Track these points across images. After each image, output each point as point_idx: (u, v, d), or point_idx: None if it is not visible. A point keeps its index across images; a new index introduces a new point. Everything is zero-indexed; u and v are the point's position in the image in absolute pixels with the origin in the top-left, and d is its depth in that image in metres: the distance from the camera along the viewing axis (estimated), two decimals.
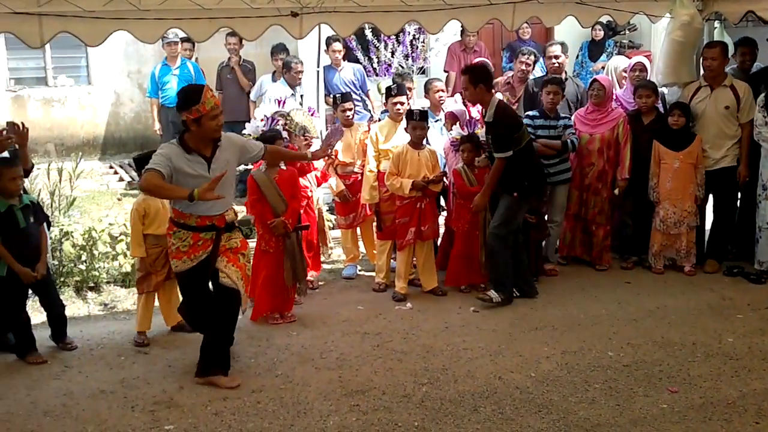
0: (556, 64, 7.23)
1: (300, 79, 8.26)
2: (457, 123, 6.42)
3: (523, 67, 7.62)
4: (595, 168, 6.69)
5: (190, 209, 4.44)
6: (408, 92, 6.81)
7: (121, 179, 11.20)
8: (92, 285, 6.55)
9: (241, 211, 6.01)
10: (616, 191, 6.64)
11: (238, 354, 4.98)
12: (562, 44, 7.53)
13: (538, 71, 8.07)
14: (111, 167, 11.77)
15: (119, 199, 9.49)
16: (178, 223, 4.52)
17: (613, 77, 7.28)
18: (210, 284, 4.63)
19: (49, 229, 5.46)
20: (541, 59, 8.21)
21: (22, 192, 5.03)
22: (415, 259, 6.32)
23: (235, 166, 4.72)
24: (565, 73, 7.53)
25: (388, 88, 6.62)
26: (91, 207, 8.85)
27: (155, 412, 4.24)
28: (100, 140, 12.51)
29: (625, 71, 7.25)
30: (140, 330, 5.33)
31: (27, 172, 5.21)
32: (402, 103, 6.41)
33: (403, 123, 6.37)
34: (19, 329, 5.03)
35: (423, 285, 6.28)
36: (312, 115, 6.41)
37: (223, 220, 4.57)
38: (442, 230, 6.53)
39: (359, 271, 6.85)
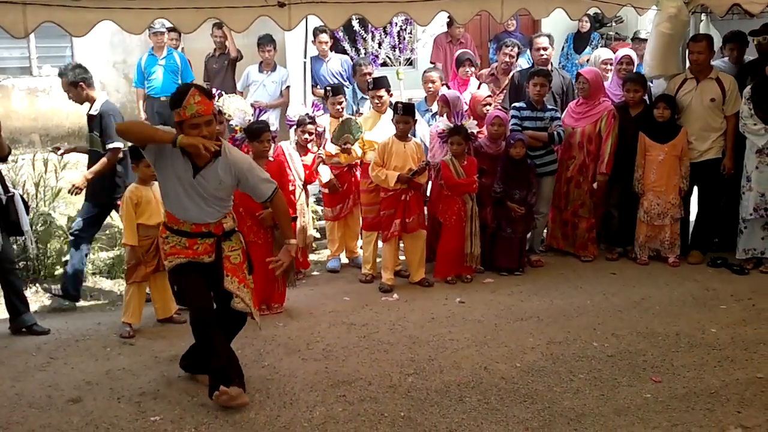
0: (544, 56, 7.24)
1: (367, 81, 7.37)
2: (446, 113, 6.43)
3: (507, 58, 7.63)
4: (575, 161, 6.74)
5: (180, 215, 4.16)
6: (368, 78, 6.83)
7: None
8: None
9: None
10: (595, 185, 6.67)
11: None
12: (549, 36, 7.54)
13: (524, 63, 8.08)
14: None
15: None
16: (172, 228, 4.21)
17: (597, 69, 7.32)
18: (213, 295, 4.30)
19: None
20: (526, 51, 8.23)
21: None
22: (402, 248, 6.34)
23: (230, 188, 4.23)
24: (551, 64, 7.54)
25: (367, 82, 6.64)
26: (76, 198, 8.76)
27: (141, 404, 4.23)
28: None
29: (606, 63, 7.29)
30: (129, 322, 5.31)
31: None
32: (380, 97, 6.44)
33: (387, 114, 6.37)
34: None
35: (412, 276, 6.28)
36: (261, 113, 6.31)
37: (221, 227, 4.23)
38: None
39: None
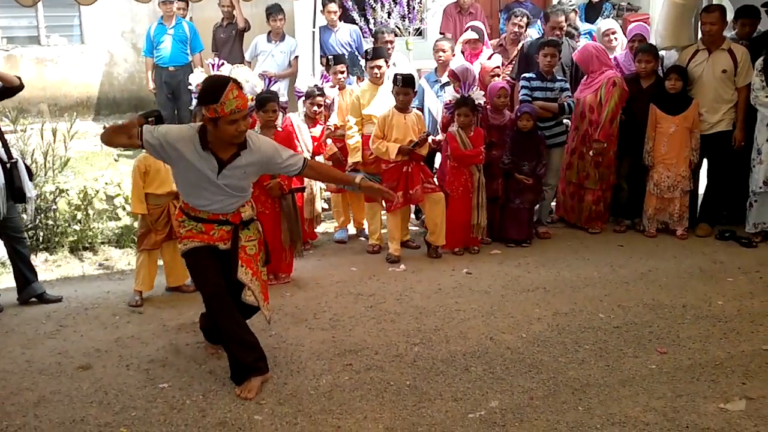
0: (558, 34, 7.12)
1: (390, 49, 7.43)
2: (453, 85, 6.39)
3: (516, 29, 7.54)
4: (579, 132, 6.71)
5: (198, 205, 4.00)
6: (389, 46, 6.76)
7: None
8: (87, 245, 6.56)
9: None
10: (591, 153, 6.62)
11: None
12: (564, 11, 7.39)
13: (534, 33, 8.00)
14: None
15: (116, 160, 9.45)
16: (189, 214, 4.05)
17: (600, 41, 7.25)
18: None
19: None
20: (536, 22, 8.14)
21: None
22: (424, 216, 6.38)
23: (254, 176, 4.13)
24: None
25: (366, 51, 6.58)
26: (85, 168, 8.82)
27: (150, 371, 4.28)
28: (94, 100, 12.40)
29: (608, 34, 7.22)
30: (140, 289, 5.35)
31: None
32: (379, 67, 6.37)
33: (384, 86, 6.33)
34: None
35: (434, 240, 6.24)
36: (271, 83, 6.25)
37: (239, 216, 4.06)
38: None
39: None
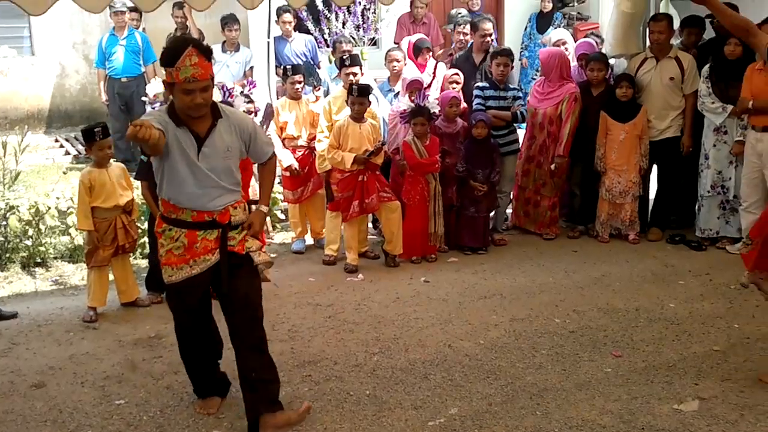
0: (487, 40, 7.16)
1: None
2: (407, 94, 6.43)
3: (461, 37, 7.60)
4: (537, 141, 6.81)
5: (181, 201, 3.60)
6: (347, 56, 6.79)
7: (67, 153, 10.99)
8: (39, 261, 6.45)
9: None
10: (553, 166, 6.73)
11: None
12: (490, 20, 7.48)
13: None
14: (56, 141, 11.53)
15: (65, 173, 9.32)
16: (169, 218, 3.65)
17: None
18: (210, 305, 3.90)
19: None
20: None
21: None
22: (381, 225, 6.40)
23: (238, 154, 3.71)
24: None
25: (341, 59, 6.58)
26: (37, 181, 8.67)
27: (105, 388, 4.22)
28: (45, 113, 12.21)
29: (558, 44, 7.32)
30: (93, 305, 5.27)
31: None
32: (355, 74, 6.38)
33: None
34: None
35: (391, 249, 6.25)
36: (252, 87, 6.27)
37: (227, 216, 3.65)
38: None
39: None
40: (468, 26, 7.59)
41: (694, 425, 3.71)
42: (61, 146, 11.27)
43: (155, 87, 6.15)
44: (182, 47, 3.36)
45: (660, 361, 4.43)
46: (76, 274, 6.31)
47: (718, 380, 4.18)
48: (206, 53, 3.43)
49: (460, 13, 8.21)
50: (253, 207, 3.92)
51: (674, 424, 3.72)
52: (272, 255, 6.47)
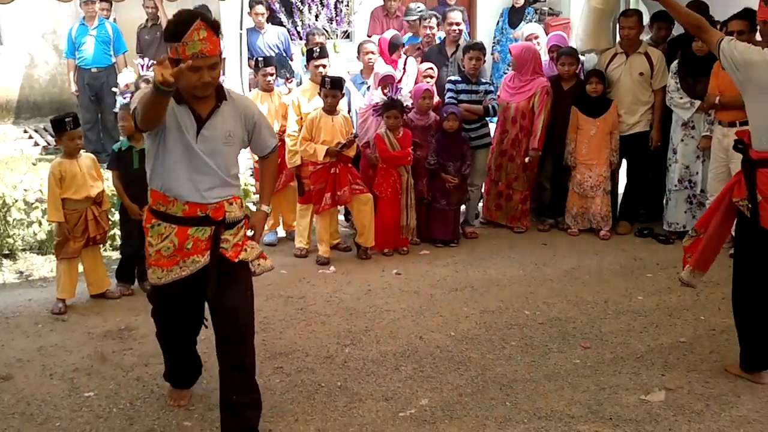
0: (456, 31, 7.18)
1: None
2: (380, 87, 6.43)
3: (428, 31, 7.59)
4: (509, 135, 6.85)
5: (172, 188, 3.31)
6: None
7: (36, 144, 10.84)
8: (7, 252, 6.37)
9: None
10: (527, 160, 6.79)
11: None
12: (462, 11, 7.50)
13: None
14: (25, 131, 11.37)
15: (34, 164, 9.21)
16: (158, 212, 3.37)
17: None
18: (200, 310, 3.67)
19: None
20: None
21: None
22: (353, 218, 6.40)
23: (240, 142, 3.45)
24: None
25: (310, 50, 6.56)
26: (4, 173, 8.56)
27: (75, 380, 4.19)
28: (14, 104, 12.03)
29: (530, 38, 7.34)
30: (62, 297, 5.22)
31: None
32: (324, 66, 6.38)
33: None
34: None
35: (363, 241, 6.25)
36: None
37: (222, 211, 3.37)
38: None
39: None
40: (433, 20, 7.59)
41: (661, 415, 3.77)
42: (30, 137, 11.12)
43: (126, 77, 6.11)
44: (190, 20, 3.09)
45: (628, 353, 4.49)
46: (45, 265, 6.24)
47: (684, 371, 4.25)
48: (215, 27, 3.17)
49: (418, 7, 8.14)
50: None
51: (641, 414, 3.78)
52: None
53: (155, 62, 3.04)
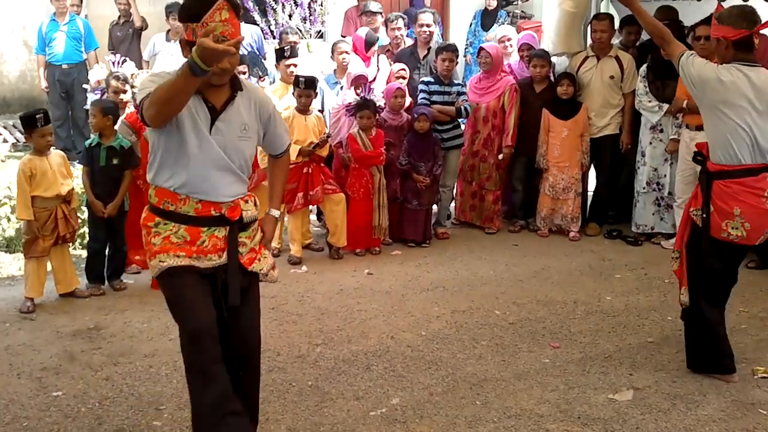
0: (427, 32, 7.21)
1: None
2: (353, 87, 6.45)
3: (396, 33, 7.60)
4: (481, 135, 6.91)
5: (185, 185, 3.00)
6: (296, 47, 6.73)
7: (5, 141, 10.67)
8: None
9: None
10: (501, 157, 6.85)
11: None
12: (434, 13, 7.53)
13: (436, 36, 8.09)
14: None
15: (2, 161, 9.08)
16: (164, 211, 3.04)
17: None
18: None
19: None
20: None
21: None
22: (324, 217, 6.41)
23: (255, 137, 3.16)
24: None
25: (281, 50, 6.55)
26: None
27: (43, 379, 4.14)
28: None
29: (504, 40, 7.42)
30: (30, 296, 5.16)
31: None
32: (295, 65, 6.38)
33: None
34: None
35: (335, 241, 6.26)
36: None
37: (238, 210, 3.08)
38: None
39: None
40: (400, 21, 7.60)
41: (629, 414, 3.81)
42: None
43: (97, 74, 6.04)
44: (210, 0, 2.81)
45: (596, 352, 4.55)
46: (13, 263, 6.16)
47: (651, 370, 4.30)
48: (237, 9, 2.89)
49: (369, 8, 8.10)
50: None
51: (609, 413, 3.82)
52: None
53: (198, 33, 2.77)
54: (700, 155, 4.09)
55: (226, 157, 3.02)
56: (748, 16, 3.89)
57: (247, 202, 3.14)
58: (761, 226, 3.92)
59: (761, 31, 4.00)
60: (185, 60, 2.75)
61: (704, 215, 3.97)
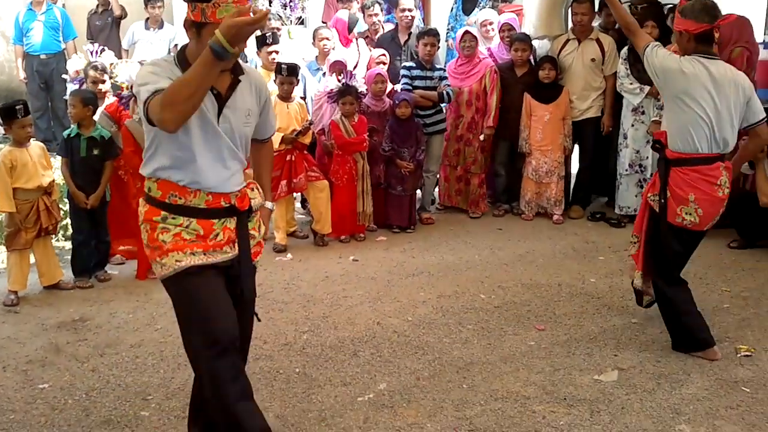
0: (408, 17, 7.22)
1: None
2: (334, 73, 6.42)
3: (374, 19, 7.58)
4: (465, 119, 6.92)
5: (195, 178, 2.81)
6: (278, 33, 6.69)
7: None
8: None
9: None
10: (482, 137, 6.87)
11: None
12: None
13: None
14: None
15: None
16: (171, 205, 2.84)
17: (478, 31, 7.46)
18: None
19: None
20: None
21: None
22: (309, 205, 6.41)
23: (255, 121, 2.99)
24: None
25: (262, 37, 6.51)
26: None
27: (29, 372, 4.13)
28: None
29: (485, 24, 7.42)
30: (14, 289, 5.14)
31: None
32: (277, 52, 6.35)
33: None
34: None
35: (319, 228, 6.26)
36: None
37: (246, 199, 2.94)
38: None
39: None
40: (377, 7, 7.56)
41: (614, 394, 3.85)
42: None
43: (76, 64, 5.97)
44: None
45: (581, 334, 4.58)
46: None
47: (636, 351, 4.34)
48: None
49: None
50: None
51: (595, 393, 3.86)
52: None
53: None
54: (659, 143, 4.20)
55: (233, 145, 2.87)
56: (710, 10, 3.98)
57: (252, 190, 3.03)
58: (712, 212, 4.07)
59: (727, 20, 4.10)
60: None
61: (662, 200, 4.11)
